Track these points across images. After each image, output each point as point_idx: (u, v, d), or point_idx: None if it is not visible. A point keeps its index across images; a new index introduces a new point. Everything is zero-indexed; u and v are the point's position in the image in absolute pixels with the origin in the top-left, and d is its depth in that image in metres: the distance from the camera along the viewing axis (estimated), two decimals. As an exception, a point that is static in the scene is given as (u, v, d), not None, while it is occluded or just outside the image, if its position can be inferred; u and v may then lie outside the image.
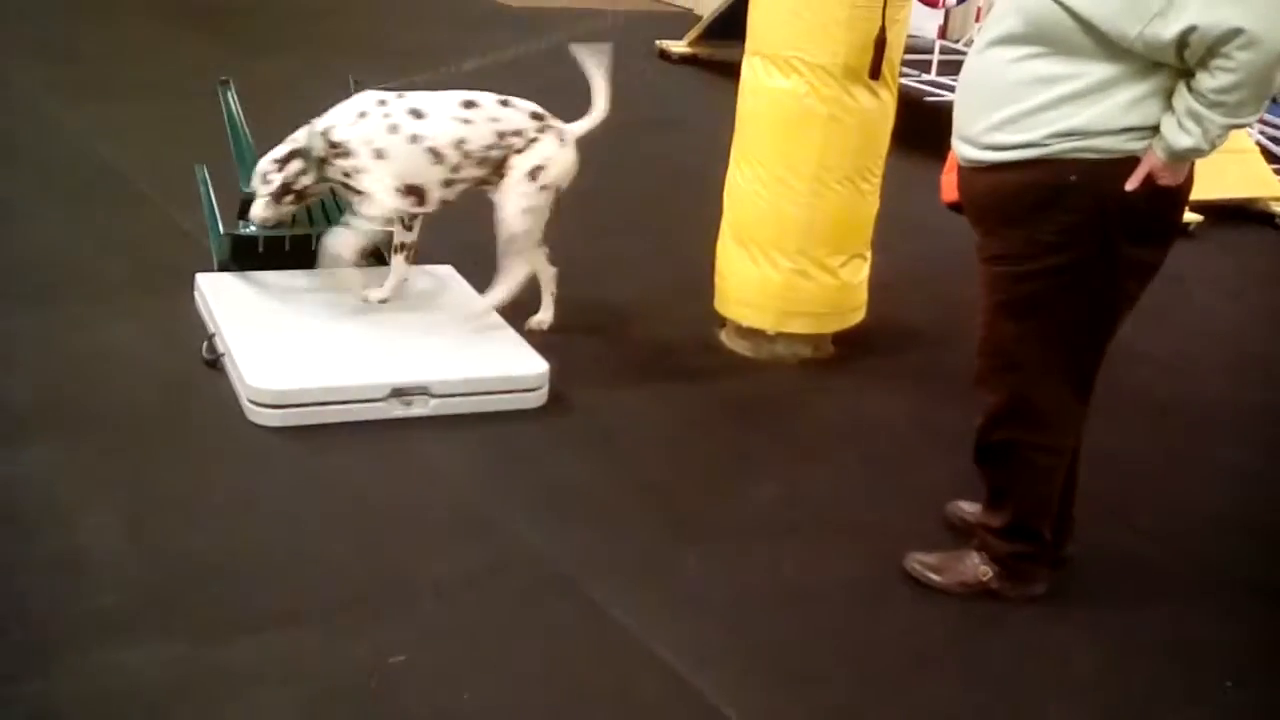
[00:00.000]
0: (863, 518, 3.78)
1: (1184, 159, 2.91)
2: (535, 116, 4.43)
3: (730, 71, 6.41)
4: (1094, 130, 2.90)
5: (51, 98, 7.05)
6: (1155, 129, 2.89)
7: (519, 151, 4.37)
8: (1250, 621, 3.51)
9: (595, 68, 4.47)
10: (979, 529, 3.44)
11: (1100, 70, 2.88)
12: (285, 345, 4.10)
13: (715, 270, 4.76)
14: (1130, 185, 2.92)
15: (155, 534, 3.31)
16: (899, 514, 3.81)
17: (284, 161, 4.31)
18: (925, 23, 8.86)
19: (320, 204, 4.73)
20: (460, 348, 4.23)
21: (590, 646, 3.09)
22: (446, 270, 4.76)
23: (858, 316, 4.75)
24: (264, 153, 4.39)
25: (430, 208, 4.40)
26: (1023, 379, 3.20)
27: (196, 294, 4.50)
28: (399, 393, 3.95)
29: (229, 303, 4.35)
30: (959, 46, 9.92)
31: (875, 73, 4.38)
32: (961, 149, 3.15)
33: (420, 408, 3.98)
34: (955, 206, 3.31)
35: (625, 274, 5.31)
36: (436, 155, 4.30)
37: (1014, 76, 2.97)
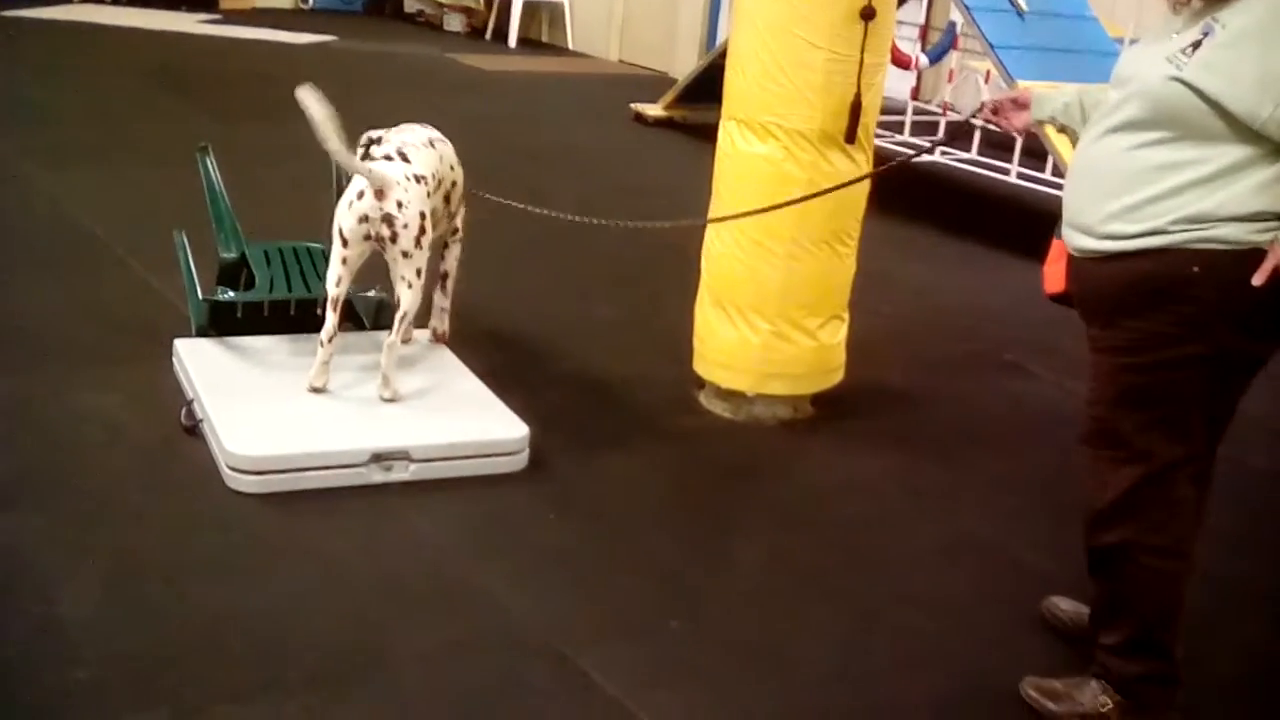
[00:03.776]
0: (848, 583, 3.77)
1: None
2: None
3: (706, 134, 6.43)
4: (1219, 216, 2.83)
5: (27, 161, 7.05)
6: None
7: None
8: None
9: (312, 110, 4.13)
10: (1096, 651, 3.21)
11: (1227, 154, 2.82)
12: (263, 411, 4.09)
13: (694, 333, 4.78)
14: (1258, 280, 2.81)
15: (134, 603, 3.28)
16: (884, 578, 3.80)
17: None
18: (898, 84, 8.92)
19: (299, 269, 4.73)
20: (439, 411, 4.22)
21: (577, 716, 3.07)
22: (424, 334, 4.75)
23: (837, 377, 4.77)
24: (242, 219, 4.38)
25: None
26: (1141, 473, 3.04)
27: (175, 359, 4.48)
28: (379, 457, 3.94)
29: (207, 368, 4.34)
30: (931, 107, 10.03)
31: (851, 137, 4.42)
32: (1075, 239, 3.07)
33: (400, 473, 3.97)
34: (1060, 298, 3.25)
35: (604, 337, 5.33)
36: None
37: (1135, 164, 2.90)
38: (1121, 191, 2.93)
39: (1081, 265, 3.10)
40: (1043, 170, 8.06)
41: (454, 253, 4.71)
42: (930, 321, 5.89)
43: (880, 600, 3.69)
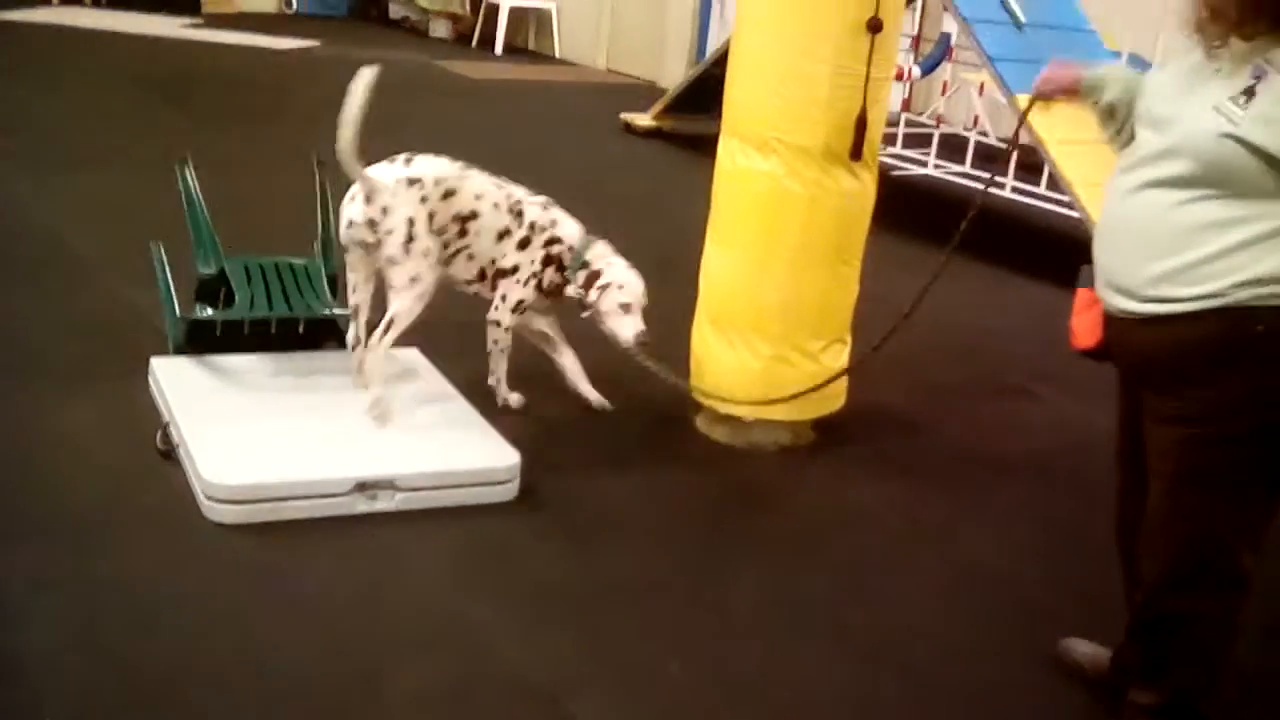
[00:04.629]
0: (851, 619, 3.61)
1: None
2: None
3: (696, 145, 6.30)
4: None
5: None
6: None
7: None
8: None
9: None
10: (1126, 708, 3.09)
11: None
12: (243, 436, 3.91)
13: (690, 355, 4.62)
14: None
15: (105, 641, 3.10)
16: (888, 615, 3.65)
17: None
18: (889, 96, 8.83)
19: (280, 286, 4.56)
20: (427, 438, 4.05)
21: (571, 766, 2.91)
22: (412, 354, 4.58)
23: (839, 402, 4.61)
24: (222, 231, 4.22)
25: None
26: (1203, 548, 2.88)
27: (151, 378, 4.31)
28: (363, 487, 3.77)
29: (184, 389, 4.16)
30: (924, 119, 9.91)
31: (857, 154, 4.27)
32: (1115, 300, 2.87)
33: (385, 502, 3.79)
34: (1093, 353, 3.05)
35: (596, 356, 5.14)
36: None
37: (1184, 222, 2.72)
38: (1168, 253, 2.74)
39: (1125, 327, 2.89)
40: (1037, 184, 7.95)
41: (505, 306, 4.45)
42: (930, 343, 5.71)
43: (884, 639, 3.53)
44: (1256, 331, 2.69)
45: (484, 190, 4.33)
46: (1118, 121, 3.07)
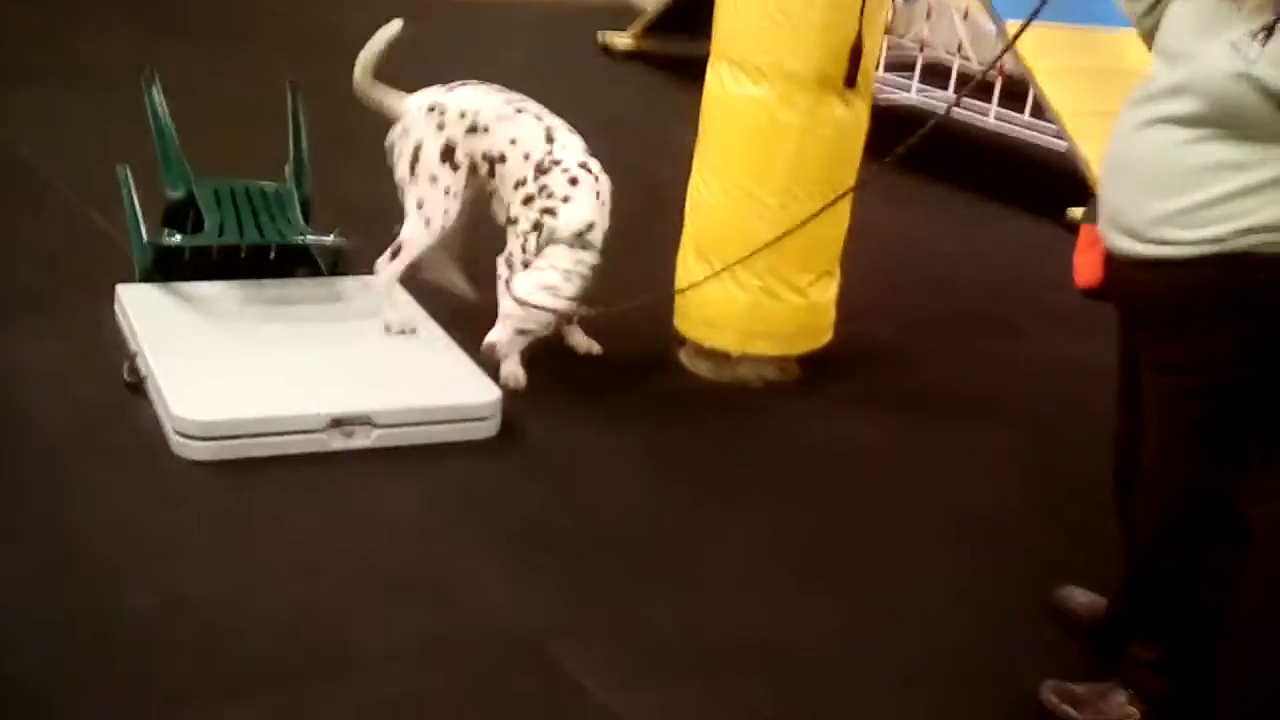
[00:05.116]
0: (845, 566, 3.52)
1: None
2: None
3: (678, 67, 6.09)
4: None
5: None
6: None
7: None
8: None
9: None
10: (1128, 662, 2.99)
11: None
12: (214, 369, 3.78)
13: (676, 286, 4.48)
14: None
15: (72, 590, 2.97)
16: (884, 561, 3.56)
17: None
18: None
19: (251, 210, 4.39)
20: (405, 373, 3.92)
21: (560, 720, 2.81)
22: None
23: (826, 337, 4.49)
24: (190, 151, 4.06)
25: None
26: (1201, 501, 2.81)
27: (117, 307, 4.15)
28: (339, 423, 3.63)
29: (153, 319, 4.01)
30: (906, 42, 9.72)
31: (851, 81, 4.13)
32: (1117, 240, 2.76)
33: (361, 439, 3.66)
34: (1094, 292, 2.93)
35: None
36: None
37: (1190, 161, 2.60)
38: (1174, 192, 2.62)
39: (1125, 269, 2.78)
40: (1021, 111, 7.81)
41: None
42: (912, 275, 5.61)
43: (881, 586, 3.44)
44: (1257, 279, 2.60)
45: (521, 136, 4.15)
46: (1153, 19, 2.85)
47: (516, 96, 4.24)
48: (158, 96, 4.48)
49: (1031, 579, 3.50)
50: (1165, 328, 2.76)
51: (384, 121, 4.24)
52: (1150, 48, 2.83)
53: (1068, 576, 3.43)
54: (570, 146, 4.17)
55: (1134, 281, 2.78)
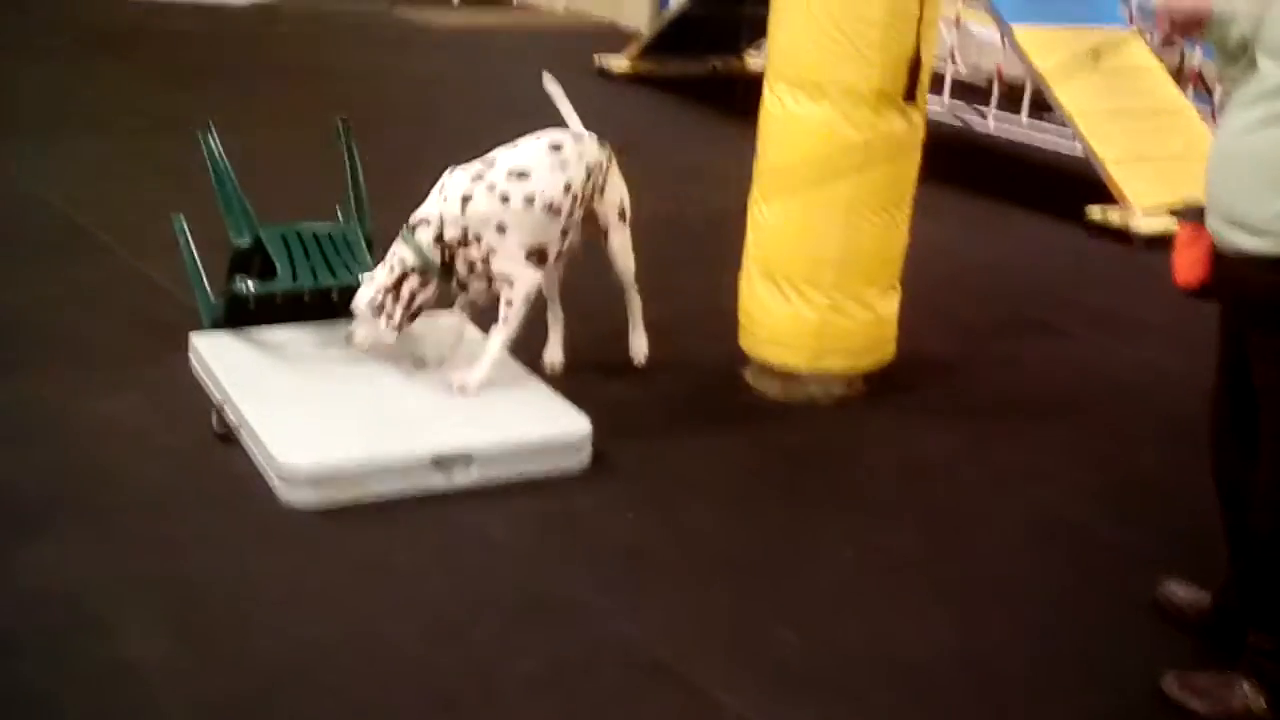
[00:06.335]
0: (943, 574, 3.56)
1: None
2: (600, 143, 4.33)
3: (678, 89, 6.08)
4: None
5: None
6: None
7: (600, 186, 4.28)
8: None
9: (558, 95, 4.44)
10: (1249, 652, 3.00)
11: None
12: (306, 413, 3.79)
13: (739, 308, 4.52)
14: None
15: (206, 639, 2.98)
16: (979, 567, 3.60)
17: (396, 287, 3.98)
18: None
19: (321, 255, 4.39)
20: (494, 407, 3.93)
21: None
22: (456, 319, 4.44)
23: (891, 350, 4.54)
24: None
25: (547, 268, 4.19)
26: None
27: (193, 356, 4.15)
28: (439, 462, 3.64)
29: (234, 367, 4.02)
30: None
31: (911, 95, 4.18)
32: (1232, 235, 2.79)
33: (461, 477, 3.67)
34: (1198, 291, 2.95)
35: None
36: (554, 210, 4.07)
37: None
38: None
39: (1236, 265, 2.81)
40: (1018, 113, 7.93)
41: None
42: (953, 284, 5.67)
43: (981, 592, 3.48)
44: None
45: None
46: (1245, 57, 2.87)
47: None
48: (214, 144, 4.47)
49: (1125, 576, 3.56)
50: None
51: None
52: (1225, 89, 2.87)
53: (1161, 571, 3.47)
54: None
55: (1246, 278, 2.81)
